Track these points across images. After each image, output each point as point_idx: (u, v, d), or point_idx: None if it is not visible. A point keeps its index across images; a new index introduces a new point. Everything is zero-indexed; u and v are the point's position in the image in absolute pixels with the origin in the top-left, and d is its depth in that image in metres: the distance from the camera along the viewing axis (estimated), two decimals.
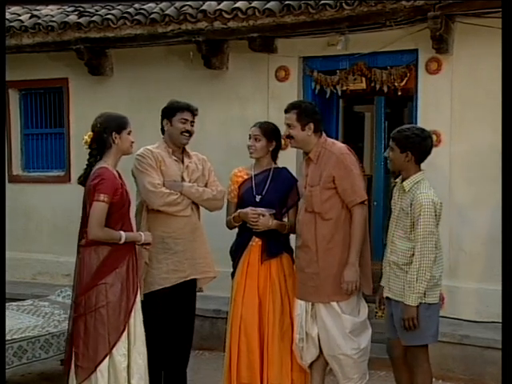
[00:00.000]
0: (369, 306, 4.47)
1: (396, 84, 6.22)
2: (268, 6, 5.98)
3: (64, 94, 7.67)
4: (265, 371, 4.38)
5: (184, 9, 6.32)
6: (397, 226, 4.10)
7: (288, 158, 6.44)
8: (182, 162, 4.51)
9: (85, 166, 4.04)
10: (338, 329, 4.23)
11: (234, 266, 4.55)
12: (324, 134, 4.37)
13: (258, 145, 4.51)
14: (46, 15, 7.06)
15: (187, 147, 4.58)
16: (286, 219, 4.57)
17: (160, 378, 4.40)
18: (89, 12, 6.87)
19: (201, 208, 4.61)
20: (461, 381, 5.37)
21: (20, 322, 4.97)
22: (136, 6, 6.59)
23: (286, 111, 4.38)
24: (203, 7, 6.23)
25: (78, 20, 6.80)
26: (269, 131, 4.53)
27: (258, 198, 4.49)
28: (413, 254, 3.95)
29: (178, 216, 4.39)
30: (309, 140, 4.31)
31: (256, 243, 4.48)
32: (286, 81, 6.59)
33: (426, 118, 5.97)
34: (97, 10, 6.85)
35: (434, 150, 5.78)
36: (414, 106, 6.23)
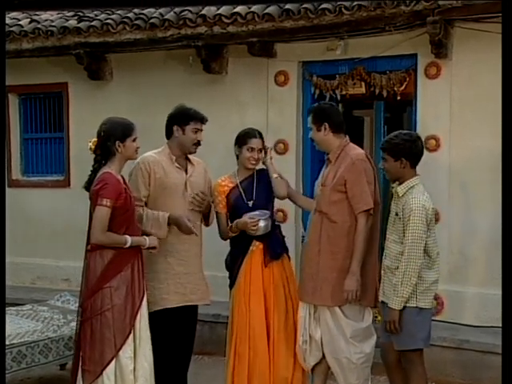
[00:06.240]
0: None
1: (395, 89, 6.22)
2: (267, 10, 5.99)
3: (63, 99, 7.67)
4: (271, 375, 4.39)
5: (183, 13, 6.33)
6: (392, 230, 4.12)
7: (288, 163, 6.48)
8: (186, 170, 4.45)
9: (89, 172, 4.05)
10: (340, 333, 4.24)
11: (234, 276, 4.51)
12: (347, 138, 4.35)
13: (261, 156, 4.52)
14: (46, 20, 7.08)
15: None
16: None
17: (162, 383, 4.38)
18: (88, 17, 6.88)
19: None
20: None
21: (19, 326, 4.96)
22: (135, 10, 6.59)
23: (307, 116, 4.42)
24: (203, 12, 6.24)
25: (78, 25, 6.81)
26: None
27: (250, 204, 4.49)
28: None
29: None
30: (327, 140, 4.30)
31: (257, 247, 4.47)
32: (285, 85, 6.59)
33: (425, 122, 5.98)
34: (96, 15, 6.86)
35: (433, 154, 5.89)
36: (413, 111, 6.24)
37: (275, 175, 4.51)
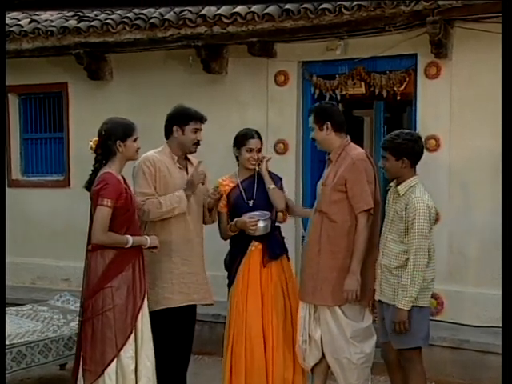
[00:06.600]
0: None
1: (395, 88, 6.22)
2: (267, 10, 5.99)
3: (63, 99, 7.67)
4: (269, 375, 4.39)
5: (183, 13, 6.33)
6: (390, 229, 4.12)
7: (288, 163, 6.48)
8: (186, 170, 4.46)
9: (89, 172, 4.06)
10: (340, 333, 4.24)
11: (233, 275, 4.52)
12: (349, 138, 4.35)
13: (260, 155, 4.52)
14: (46, 20, 7.08)
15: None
16: None
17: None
18: (88, 17, 6.88)
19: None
20: None
21: (19, 326, 4.96)
22: (135, 10, 6.59)
23: (308, 116, 4.42)
24: (203, 12, 6.24)
25: (78, 25, 6.81)
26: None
27: (250, 204, 4.49)
28: (406, 258, 3.97)
29: (181, 224, 4.34)
30: (328, 140, 4.29)
31: (256, 247, 4.48)
32: (285, 85, 6.59)
33: (425, 122, 5.98)
34: (96, 15, 6.86)
35: (433, 154, 5.89)
36: (413, 111, 6.23)
37: (272, 186, 4.50)
